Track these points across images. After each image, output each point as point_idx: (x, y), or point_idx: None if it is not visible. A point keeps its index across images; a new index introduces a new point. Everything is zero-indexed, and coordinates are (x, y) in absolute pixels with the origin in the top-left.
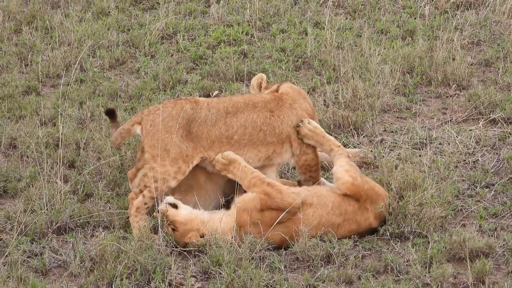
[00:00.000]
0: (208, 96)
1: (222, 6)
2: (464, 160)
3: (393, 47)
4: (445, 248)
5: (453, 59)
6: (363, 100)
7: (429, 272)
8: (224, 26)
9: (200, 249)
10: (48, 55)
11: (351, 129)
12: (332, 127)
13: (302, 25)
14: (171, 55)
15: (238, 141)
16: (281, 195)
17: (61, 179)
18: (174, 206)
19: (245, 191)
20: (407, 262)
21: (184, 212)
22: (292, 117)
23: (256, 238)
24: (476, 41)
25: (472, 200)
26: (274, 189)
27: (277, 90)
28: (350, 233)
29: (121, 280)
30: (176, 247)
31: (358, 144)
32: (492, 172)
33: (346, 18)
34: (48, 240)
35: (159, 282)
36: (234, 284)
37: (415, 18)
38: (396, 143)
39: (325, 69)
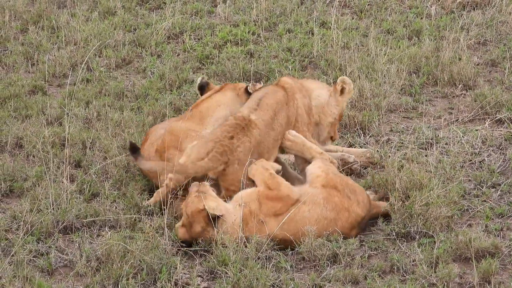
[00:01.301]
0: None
1: (228, 6)
2: (470, 160)
3: (399, 47)
4: (451, 248)
5: (459, 59)
6: (370, 100)
7: (435, 272)
8: (230, 26)
9: (206, 248)
10: (54, 55)
11: (357, 129)
12: (338, 127)
13: (308, 25)
14: (178, 55)
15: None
16: (279, 186)
17: (67, 179)
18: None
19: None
20: (413, 262)
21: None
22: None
23: (261, 237)
24: (482, 41)
25: (478, 200)
26: (274, 180)
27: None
28: (348, 223)
29: (127, 279)
30: (182, 247)
31: (365, 144)
32: (498, 172)
33: (353, 18)
34: (54, 239)
35: (165, 282)
36: (240, 283)
37: (421, 18)
38: (402, 143)
39: (332, 69)
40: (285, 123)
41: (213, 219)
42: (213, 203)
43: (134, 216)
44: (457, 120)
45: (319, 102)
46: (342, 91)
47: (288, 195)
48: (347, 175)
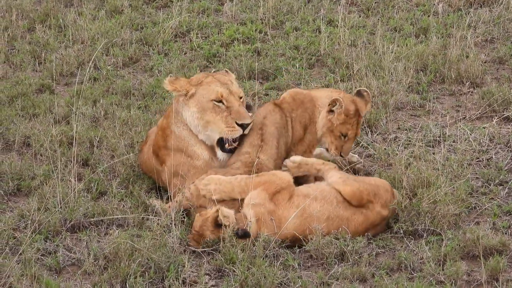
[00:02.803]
0: None
1: (235, 4)
2: (478, 158)
3: (406, 45)
4: (459, 245)
5: (467, 57)
6: (377, 98)
7: (443, 269)
8: (237, 24)
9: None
10: (61, 54)
11: (364, 127)
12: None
13: (315, 23)
14: (185, 53)
15: None
16: (276, 176)
17: (75, 177)
18: None
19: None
20: (420, 259)
21: None
22: None
23: (270, 236)
24: (489, 38)
25: (485, 197)
26: (266, 176)
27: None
28: (362, 227)
29: (135, 278)
30: (189, 245)
31: (372, 142)
32: (506, 170)
33: (360, 16)
34: (62, 238)
35: (173, 280)
36: (248, 282)
37: (428, 16)
38: (409, 140)
39: (339, 67)
40: (284, 149)
41: (220, 225)
42: (226, 212)
43: (142, 214)
44: (464, 118)
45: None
46: (331, 109)
47: (289, 181)
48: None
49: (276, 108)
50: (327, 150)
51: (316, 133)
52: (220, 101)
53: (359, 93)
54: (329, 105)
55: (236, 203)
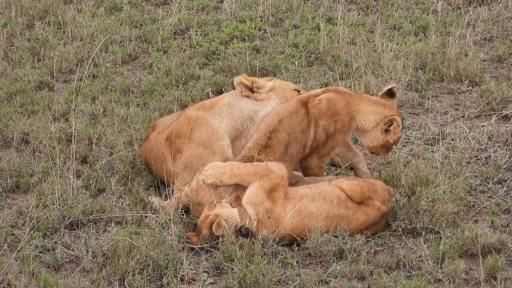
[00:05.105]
0: (221, 92)
1: (235, 2)
2: (477, 156)
3: (405, 43)
4: (457, 244)
5: (466, 55)
6: (376, 96)
7: (441, 268)
8: (237, 22)
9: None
10: (60, 50)
11: None
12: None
13: (315, 20)
14: (184, 51)
15: None
16: (269, 170)
17: (73, 174)
18: None
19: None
20: (419, 258)
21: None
22: None
23: (268, 234)
24: (488, 37)
25: (484, 196)
26: (260, 167)
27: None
28: (363, 226)
29: (133, 275)
30: (188, 243)
31: None
32: (504, 168)
33: (359, 14)
34: (60, 235)
35: (171, 278)
36: (246, 279)
37: (427, 14)
38: (408, 139)
39: (338, 64)
40: (297, 152)
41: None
42: (228, 213)
43: (141, 212)
44: (463, 116)
45: (362, 127)
46: (387, 129)
47: (283, 176)
48: None
49: (300, 110)
50: (372, 153)
51: (342, 141)
52: (299, 91)
53: (391, 93)
54: (385, 124)
55: (230, 189)
